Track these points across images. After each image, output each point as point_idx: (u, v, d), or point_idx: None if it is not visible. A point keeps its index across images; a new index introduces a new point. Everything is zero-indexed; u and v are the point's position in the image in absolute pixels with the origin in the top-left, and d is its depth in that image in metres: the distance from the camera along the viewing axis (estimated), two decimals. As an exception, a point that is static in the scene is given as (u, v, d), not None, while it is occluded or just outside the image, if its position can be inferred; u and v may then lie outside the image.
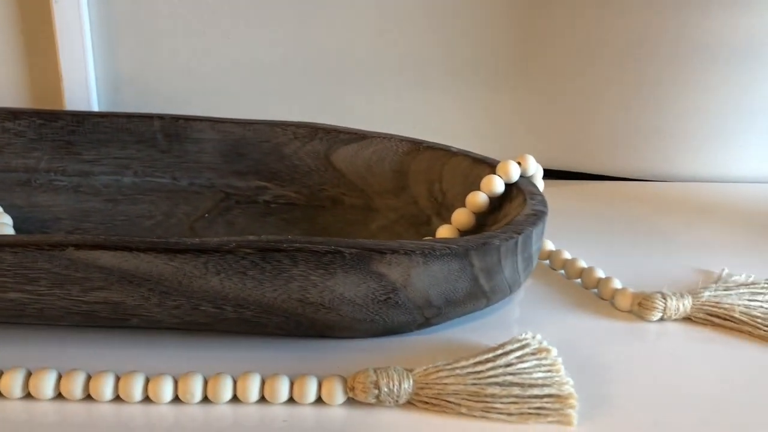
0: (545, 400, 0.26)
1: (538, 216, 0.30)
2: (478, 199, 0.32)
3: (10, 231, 0.32)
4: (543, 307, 0.33)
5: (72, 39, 0.40)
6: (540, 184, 0.34)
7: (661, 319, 0.32)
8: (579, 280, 0.35)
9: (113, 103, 0.43)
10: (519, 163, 0.33)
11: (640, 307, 0.32)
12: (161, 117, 0.37)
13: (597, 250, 0.37)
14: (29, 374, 0.25)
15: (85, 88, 0.41)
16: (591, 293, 0.34)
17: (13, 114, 0.36)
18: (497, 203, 0.33)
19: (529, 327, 0.30)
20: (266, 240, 0.25)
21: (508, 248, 0.28)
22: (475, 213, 0.32)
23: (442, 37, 0.42)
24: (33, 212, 0.35)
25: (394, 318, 0.28)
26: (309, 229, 0.36)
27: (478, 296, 0.28)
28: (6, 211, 0.35)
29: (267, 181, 0.38)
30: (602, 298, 0.34)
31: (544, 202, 0.31)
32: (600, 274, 0.34)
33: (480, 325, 0.30)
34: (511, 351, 0.27)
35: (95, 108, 0.42)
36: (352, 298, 0.26)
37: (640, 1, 0.42)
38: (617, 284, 0.33)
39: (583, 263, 0.35)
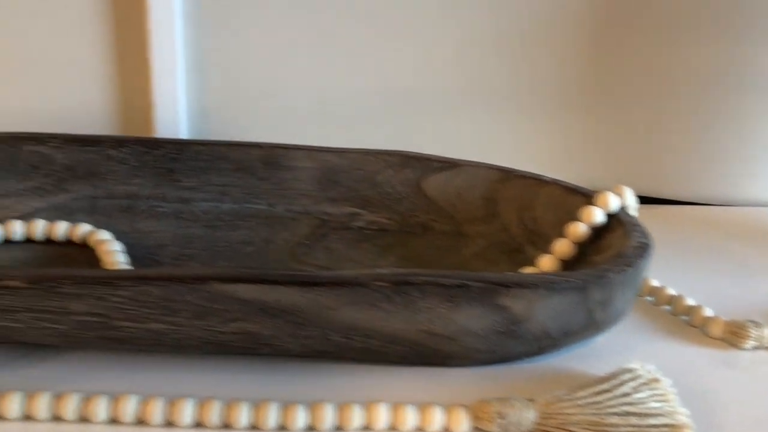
0: (662, 429, 0.27)
1: (645, 248, 0.30)
2: (579, 230, 0.33)
3: (122, 258, 0.33)
4: (636, 334, 0.33)
5: (165, 67, 0.41)
6: (635, 214, 0.35)
7: (755, 347, 0.32)
8: (668, 307, 0.36)
9: (199, 130, 0.44)
10: (617, 194, 0.34)
11: (733, 335, 0.33)
12: (260, 145, 0.38)
13: (681, 276, 0.38)
14: (166, 401, 0.26)
15: (174, 115, 0.42)
16: (681, 320, 0.35)
17: (118, 142, 0.38)
18: (595, 234, 0.34)
19: (626, 355, 0.31)
20: (399, 273, 0.26)
21: (622, 281, 0.29)
22: (575, 243, 0.33)
23: (524, 64, 0.43)
24: (137, 238, 0.36)
25: (511, 348, 0.29)
26: (403, 255, 0.37)
27: (590, 327, 0.29)
28: (111, 236, 0.36)
29: (360, 208, 0.39)
30: (692, 326, 0.34)
31: (646, 234, 0.32)
32: (690, 301, 0.35)
33: (581, 353, 0.31)
34: (626, 381, 0.28)
35: (184, 135, 0.43)
36: (475, 330, 0.27)
37: (720, 30, 0.43)
38: (708, 312, 0.34)
39: (671, 291, 0.36)
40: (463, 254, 0.37)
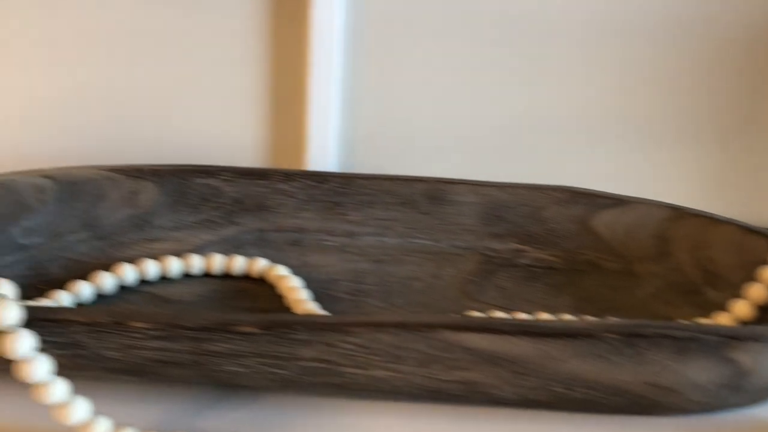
0: None
1: None
2: (776, 274, 0.32)
3: (304, 294, 0.33)
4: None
5: (322, 101, 0.41)
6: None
7: None
8: None
9: (347, 163, 0.44)
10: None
11: None
12: (423, 180, 0.38)
13: None
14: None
15: (329, 148, 0.42)
16: None
17: (287, 176, 0.38)
18: (787, 278, 0.33)
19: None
20: (630, 325, 0.26)
21: None
22: (770, 288, 0.32)
23: (692, 93, 0.42)
24: (308, 272, 0.36)
25: (729, 400, 0.28)
26: (576, 295, 0.36)
27: (810, 380, 0.28)
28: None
29: (525, 244, 0.38)
30: None
31: None
32: None
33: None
34: None
35: (335, 166, 0.43)
36: (700, 383, 0.26)
37: None
38: None
39: None
40: (637, 295, 0.36)
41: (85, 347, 0.26)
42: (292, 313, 0.27)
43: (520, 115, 0.44)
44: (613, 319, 0.28)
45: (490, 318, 0.27)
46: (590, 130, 0.44)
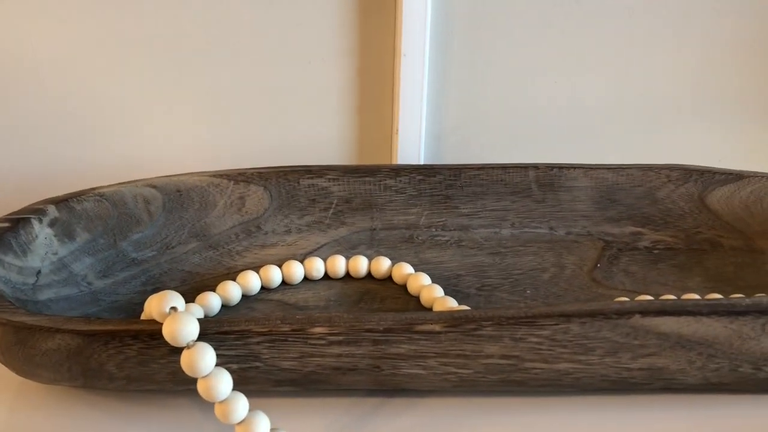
0: None
1: None
2: None
3: (440, 291, 0.32)
4: None
5: (412, 94, 0.40)
6: None
7: None
8: None
9: (434, 154, 0.42)
10: None
11: None
12: (536, 166, 0.37)
13: None
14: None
15: (417, 141, 0.41)
16: None
17: (395, 171, 0.36)
18: None
19: None
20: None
21: None
22: None
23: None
24: (428, 269, 0.35)
25: None
26: (705, 275, 0.35)
27: None
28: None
29: (641, 227, 0.37)
30: None
31: None
32: None
33: None
34: None
35: (422, 160, 0.42)
36: None
37: None
38: None
39: None
40: (766, 270, 0.35)
41: (261, 359, 0.24)
42: (477, 309, 0.26)
43: (624, 95, 0.42)
44: None
45: (682, 300, 0.26)
46: (698, 106, 0.43)
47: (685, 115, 0.43)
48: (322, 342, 0.23)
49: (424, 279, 0.33)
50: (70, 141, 0.40)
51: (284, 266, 0.33)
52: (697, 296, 0.31)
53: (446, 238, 0.37)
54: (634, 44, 0.41)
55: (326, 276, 0.34)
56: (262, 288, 0.33)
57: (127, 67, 0.39)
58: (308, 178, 0.36)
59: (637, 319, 0.24)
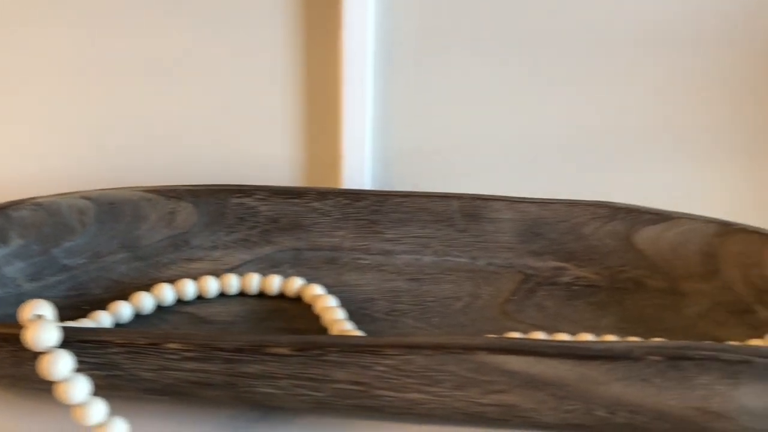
0: None
1: None
2: (835, 293, 0.30)
3: (341, 314, 0.33)
4: None
5: (356, 119, 0.41)
6: None
7: None
8: None
9: (383, 179, 0.44)
10: None
11: None
12: (459, 197, 0.37)
13: None
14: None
15: (362, 166, 0.42)
16: None
17: (321, 194, 0.38)
18: None
19: None
20: (674, 346, 0.25)
21: None
22: (829, 308, 0.31)
23: (736, 105, 0.41)
24: (343, 291, 0.36)
25: (775, 426, 0.27)
26: (620, 315, 0.35)
27: None
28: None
29: (565, 262, 0.37)
30: None
31: None
32: None
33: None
34: None
35: (368, 186, 0.43)
36: (753, 409, 0.25)
37: None
38: None
39: None
40: (685, 314, 0.34)
41: (121, 368, 0.26)
42: (325, 335, 0.27)
43: (557, 130, 0.43)
44: (657, 340, 0.27)
45: (529, 339, 0.26)
46: (630, 144, 0.43)
47: (625, 153, 0.42)
48: (177, 357, 0.25)
49: (330, 301, 0.34)
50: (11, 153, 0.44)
51: (199, 280, 0.35)
52: (543, 336, 0.31)
53: (368, 262, 0.38)
54: (579, 80, 0.41)
55: (246, 293, 0.36)
56: (179, 300, 0.35)
57: (74, 85, 0.42)
58: (237, 197, 0.38)
59: (482, 356, 0.25)
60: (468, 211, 0.38)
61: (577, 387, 0.25)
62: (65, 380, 0.25)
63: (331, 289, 0.36)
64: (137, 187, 0.37)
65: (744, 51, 0.40)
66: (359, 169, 0.43)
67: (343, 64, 0.40)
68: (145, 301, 0.33)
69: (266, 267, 0.37)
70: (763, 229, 0.35)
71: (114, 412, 0.25)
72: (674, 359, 0.24)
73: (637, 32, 0.41)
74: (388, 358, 0.25)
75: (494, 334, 0.33)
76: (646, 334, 0.33)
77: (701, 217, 0.36)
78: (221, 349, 0.25)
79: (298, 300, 0.35)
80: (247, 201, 0.38)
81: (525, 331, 0.33)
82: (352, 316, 0.34)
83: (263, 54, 0.42)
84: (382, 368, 0.25)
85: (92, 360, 0.26)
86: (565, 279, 0.37)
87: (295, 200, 0.38)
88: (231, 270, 0.37)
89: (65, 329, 0.25)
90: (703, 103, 0.41)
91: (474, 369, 0.25)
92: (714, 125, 0.42)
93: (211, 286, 0.35)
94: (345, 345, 0.25)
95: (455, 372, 0.25)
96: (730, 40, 0.40)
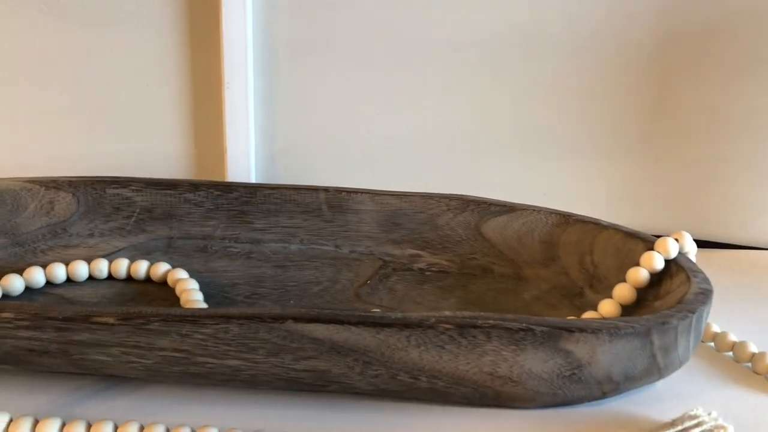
0: (727, 477, 0.27)
1: (707, 294, 0.31)
2: (640, 275, 0.33)
3: (199, 296, 0.35)
4: (697, 380, 0.33)
5: (238, 118, 0.44)
6: (695, 260, 0.35)
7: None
8: (730, 353, 0.35)
9: (268, 173, 0.46)
10: (676, 240, 0.34)
11: (800, 383, 0.32)
12: (326, 189, 0.40)
13: (742, 322, 0.38)
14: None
15: (246, 160, 0.45)
16: (743, 367, 0.35)
17: (194, 186, 0.40)
18: (655, 279, 0.34)
19: (688, 401, 0.31)
20: (464, 317, 0.27)
21: (684, 327, 0.29)
22: (636, 288, 0.34)
23: (583, 109, 0.44)
24: (212, 277, 0.38)
25: (574, 392, 0.29)
26: (463, 297, 0.37)
27: (653, 372, 0.29)
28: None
29: (421, 250, 0.40)
30: (756, 373, 0.34)
31: (707, 280, 0.32)
32: (753, 348, 0.35)
33: (642, 398, 0.31)
34: (690, 428, 0.28)
35: (253, 179, 0.45)
36: (538, 373, 0.28)
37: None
38: (772, 359, 0.34)
39: (733, 337, 0.35)
40: (523, 297, 0.38)
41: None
42: (147, 306, 0.29)
43: (418, 130, 0.46)
44: (448, 312, 0.30)
45: (332, 310, 0.29)
46: (483, 144, 0.46)
47: (478, 152, 0.46)
48: (10, 326, 0.27)
49: (190, 284, 0.36)
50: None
51: (70, 264, 0.37)
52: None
53: (237, 250, 0.40)
54: (452, 81, 0.45)
55: (112, 277, 0.38)
56: (50, 283, 0.37)
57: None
58: (114, 187, 0.40)
59: (290, 324, 0.27)
60: (334, 203, 0.40)
61: (379, 352, 0.28)
62: None
63: (200, 275, 0.38)
64: (18, 177, 0.39)
65: (585, 61, 0.44)
66: (244, 164, 0.45)
67: (224, 67, 0.43)
68: (15, 283, 0.35)
69: (140, 254, 0.39)
70: (597, 219, 0.38)
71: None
72: (464, 327, 0.27)
73: (499, 39, 0.44)
74: (206, 327, 0.27)
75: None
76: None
77: (543, 208, 0.39)
78: (52, 318, 0.27)
79: (164, 284, 0.38)
80: (123, 192, 0.40)
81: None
82: (215, 299, 0.37)
83: (151, 56, 0.45)
84: (201, 336, 0.27)
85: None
86: (420, 265, 0.40)
87: (170, 191, 0.40)
88: (106, 257, 0.39)
89: None
90: (546, 106, 0.45)
91: (284, 337, 0.27)
92: (558, 128, 0.45)
93: (81, 269, 0.37)
94: (166, 315, 0.27)
95: (268, 339, 0.28)
96: (576, 49, 0.44)
